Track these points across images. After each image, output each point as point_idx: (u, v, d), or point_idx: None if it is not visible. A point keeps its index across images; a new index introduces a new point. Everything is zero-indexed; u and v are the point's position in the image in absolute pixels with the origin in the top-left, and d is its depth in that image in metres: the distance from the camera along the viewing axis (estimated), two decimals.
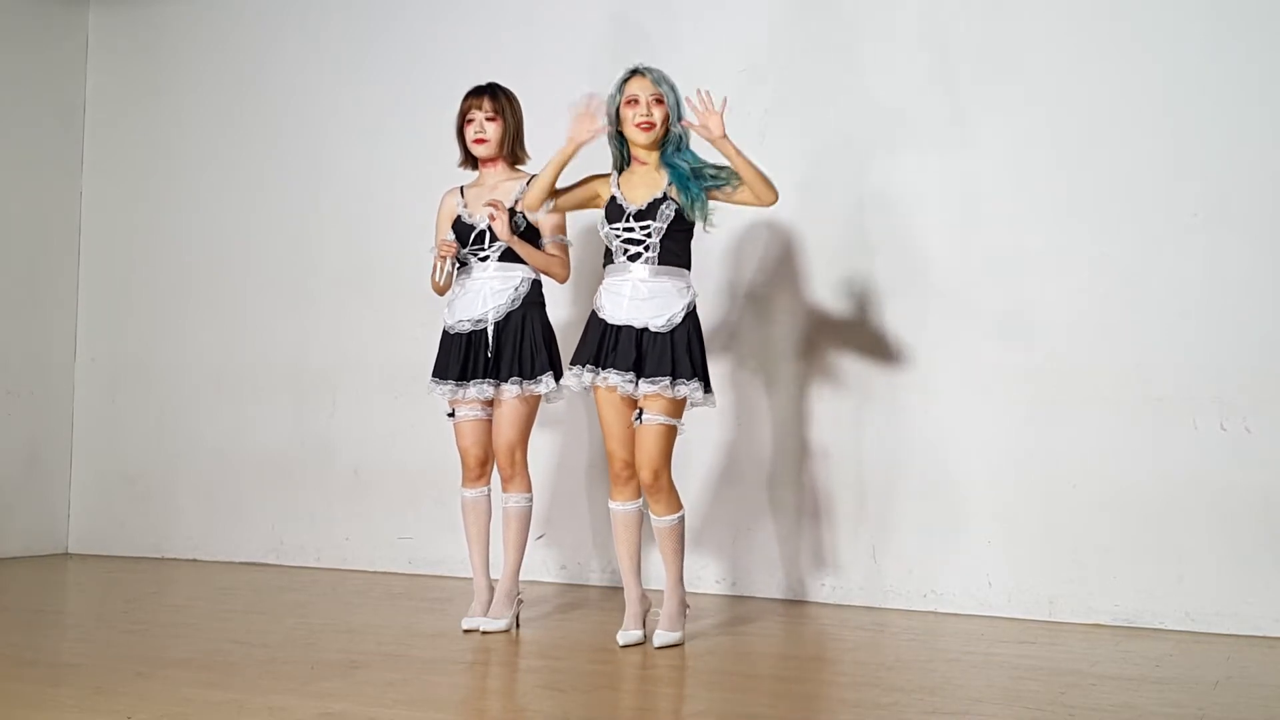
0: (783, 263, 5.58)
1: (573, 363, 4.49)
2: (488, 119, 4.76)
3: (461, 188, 4.89)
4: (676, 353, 4.37)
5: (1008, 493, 5.19)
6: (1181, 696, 3.79)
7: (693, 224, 4.45)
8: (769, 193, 4.37)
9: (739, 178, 4.38)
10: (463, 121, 4.81)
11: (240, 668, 4.00)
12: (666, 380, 4.34)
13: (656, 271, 4.42)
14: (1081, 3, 5.21)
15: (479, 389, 4.71)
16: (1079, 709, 3.59)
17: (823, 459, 5.48)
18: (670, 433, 4.41)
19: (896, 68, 5.46)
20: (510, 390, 4.69)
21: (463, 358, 4.73)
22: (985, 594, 5.20)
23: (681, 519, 4.52)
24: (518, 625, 4.76)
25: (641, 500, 4.55)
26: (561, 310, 5.68)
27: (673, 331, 4.38)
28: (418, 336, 6.03)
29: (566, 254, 4.82)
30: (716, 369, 5.54)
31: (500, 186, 4.80)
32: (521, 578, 4.86)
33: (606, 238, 4.49)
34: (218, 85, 6.86)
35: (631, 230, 4.43)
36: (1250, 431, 4.86)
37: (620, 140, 4.51)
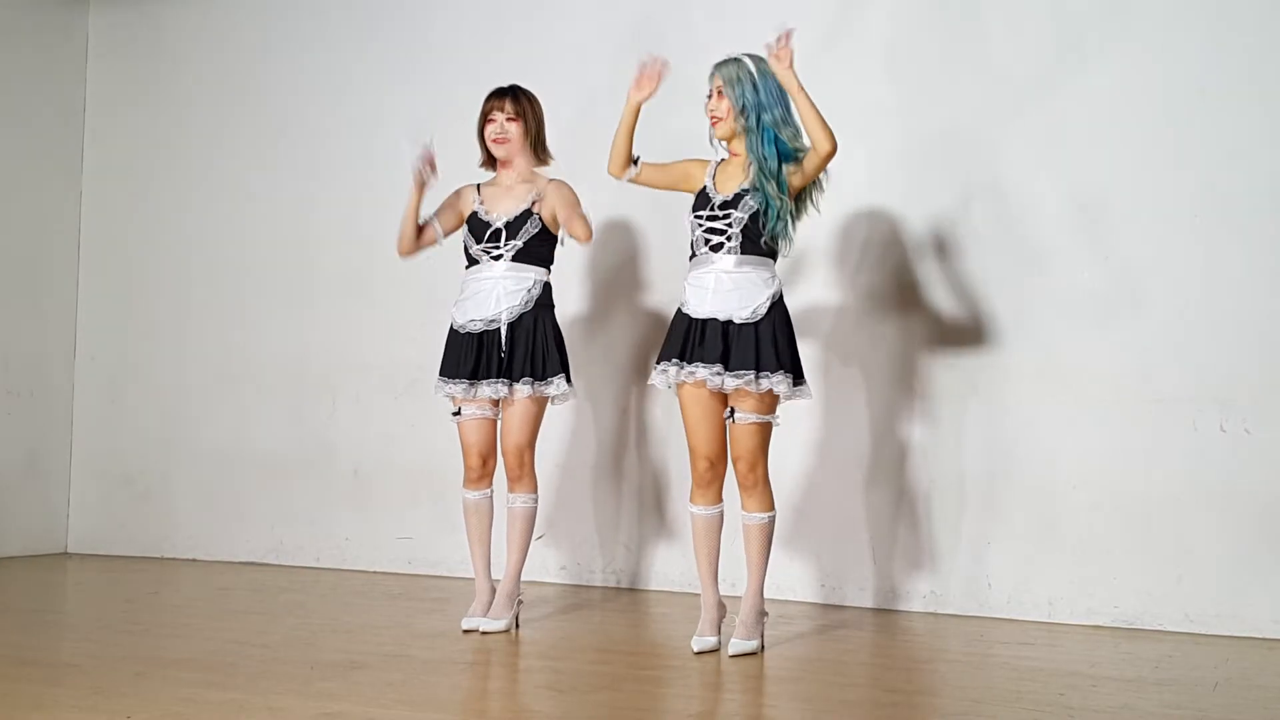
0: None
1: (659, 360, 4.39)
2: (509, 120, 4.76)
3: (479, 185, 4.88)
4: (761, 345, 4.27)
5: (1008, 493, 5.19)
6: (1181, 698, 3.79)
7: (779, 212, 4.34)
8: (826, 139, 4.21)
9: (802, 141, 4.30)
10: (484, 122, 4.81)
11: (240, 668, 4.00)
12: (751, 374, 4.24)
13: (740, 262, 4.30)
14: (1080, 3, 5.21)
15: (493, 388, 4.69)
16: (1079, 710, 3.59)
17: (822, 460, 5.48)
18: (764, 429, 4.32)
19: (901, 73, 5.45)
20: (522, 390, 4.68)
21: (474, 357, 4.72)
22: (985, 594, 5.20)
23: (772, 520, 4.41)
24: (517, 626, 4.76)
25: (722, 504, 4.46)
26: (570, 307, 5.69)
27: (758, 323, 4.28)
28: (417, 336, 6.03)
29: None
30: None
31: (517, 188, 4.79)
32: (522, 578, 4.85)
33: (689, 227, 4.39)
34: (218, 85, 6.85)
35: (715, 219, 4.33)
36: (1250, 432, 4.87)
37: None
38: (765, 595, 4.45)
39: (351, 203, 6.50)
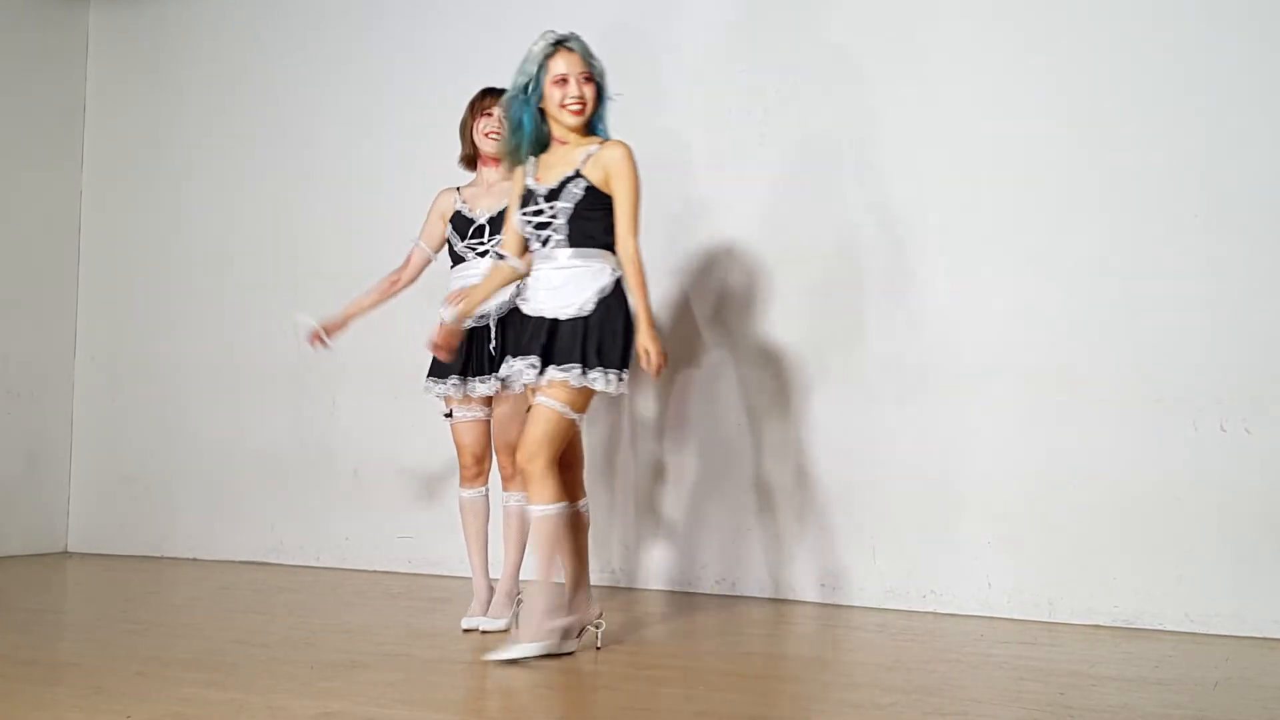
0: (777, 264, 5.59)
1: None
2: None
3: (459, 188, 4.89)
4: (588, 341, 4.09)
5: (1008, 493, 5.19)
6: (1181, 697, 3.79)
7: (612, 202, 4.14)
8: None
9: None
10: (474, 117, 4.78)
11: (240, 668, 4.00)
12: (578, 367, 4.08)
13: (572, 255, 4.16)
14: (1081, 3, 5.21)
15: (486, 385, 4.70)
16: (1078, 709, 3.59)
17: (822, 459, 5.48)
18: (555, 417, 4.10)
19: (893, 69, 5.45)
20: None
21: (465, 354, 4.72)
22: (985, 594, 5.20)
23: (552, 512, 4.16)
24: (517, 625, 4.76)
25: (566, 504, 4.23)
26: None
27: (585, 319, 4.12)
28: (418, 336, 6.02)
29: None
30: (716, 368, 5.56)
31: (497, 185, 4.79)
32: (521, 577, 4.86)
33: (519, 225, 4.26)
34: (218, 83, 6.86)
35: (540, 213, 4.19)
36: (1250, 432, 4.86)
37: (540, 118, 4.24)
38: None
39: (352, 201, 6.50)
